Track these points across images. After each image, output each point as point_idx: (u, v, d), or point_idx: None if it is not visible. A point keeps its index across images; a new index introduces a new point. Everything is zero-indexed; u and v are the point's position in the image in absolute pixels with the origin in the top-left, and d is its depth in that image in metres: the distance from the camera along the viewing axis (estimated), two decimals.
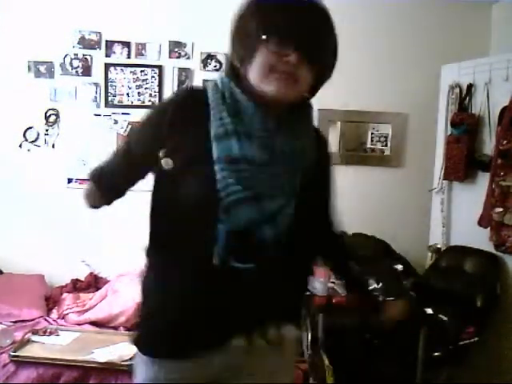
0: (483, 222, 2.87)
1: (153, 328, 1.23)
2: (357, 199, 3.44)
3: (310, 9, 1.13)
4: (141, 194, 1.42)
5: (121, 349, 2.45)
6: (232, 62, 1.18)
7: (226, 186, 1.09)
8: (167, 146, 1.13)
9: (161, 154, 1.14)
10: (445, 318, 2.53)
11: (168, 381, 1.20)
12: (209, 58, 3.35)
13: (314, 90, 1.26)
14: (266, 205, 1.12)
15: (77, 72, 3.35)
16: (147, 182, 1.29)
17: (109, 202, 1.32)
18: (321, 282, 2.38)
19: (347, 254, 1.55)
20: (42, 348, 2.49)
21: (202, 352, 1.18)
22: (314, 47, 1.11)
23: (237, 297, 1.14)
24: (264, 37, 1.08)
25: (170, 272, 1.20)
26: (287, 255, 1.16)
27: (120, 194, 1.31)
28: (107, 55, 3.36)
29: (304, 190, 1.18)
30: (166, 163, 1.13)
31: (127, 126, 3.37)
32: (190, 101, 1.18)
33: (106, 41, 3.35)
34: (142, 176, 1.26)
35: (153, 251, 1.26)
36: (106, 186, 1.31)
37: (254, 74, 1.12)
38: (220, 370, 1.21)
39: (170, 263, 1.20)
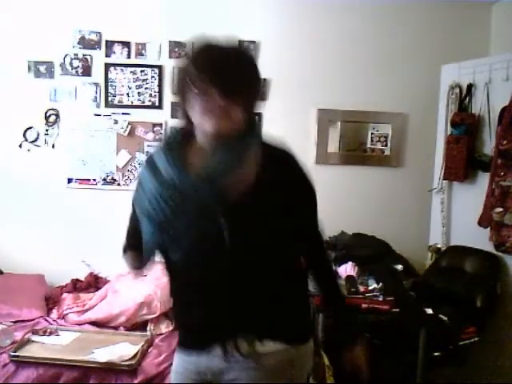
0: (483, 222, 2.87)
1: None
2: (357, 199, 3.44)
3: (228, 54, 1.32)
4: None
5: (121, 349, 2.45)
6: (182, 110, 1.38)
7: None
8: None
9: None
10: (445, 318, 2.53)
11: (178, 368, 1.52)
12: None
13: (249, 117, 1.37)
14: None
15: (77, 72, 3.35)
16: None
17: (144, 262, 1.49)
18: None
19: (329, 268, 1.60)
20: (42, 348, 2.48)
21: (195, 350, 1.44)
22: (233, 85, 1.28)
23: (211, 307, 1.37)
24: (192, 86, 1.28)
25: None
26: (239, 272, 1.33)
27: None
28: (107, 55, 3.36)
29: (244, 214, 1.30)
30: None
31: (127, 126, 3.37)
32: (149, 163, 1.39)
33: (106, 41, 3.35)
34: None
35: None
36: (133, 251, 1.51)
37: (194, 118, 1.32)
38: (206, 371, 1.43)
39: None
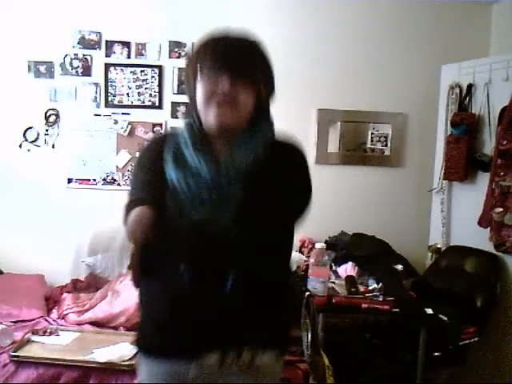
0: (483, 222, 2.87)
1: (143, 328, 1.35)
2: (357, 199, 3.44)
3: (239, 42, 1.27)
4: None
5: (121, 349, 2.45)
6: (188, 102, 1.31)
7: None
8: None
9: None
10: (445, 318, 2.53)
11: (148, 379, 1.33)
12: None
13: (260, 109, 1.30)
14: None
15: (77, 72, 3.35)
16: None
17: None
18: (321, 281, 2.38)
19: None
20: (42, 348, 2.48)
21: (177, 357, 1.24)
22: (245, 71, 1.23)
23: (210, 310, 1.20)
24: (199, 74, 1.22)
25: (153, 284, 1.29)
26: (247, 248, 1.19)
27: None
28: (107, 55, 3.36)
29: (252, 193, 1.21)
30: None
31: (127, 126, 3.37)
32: (154, 146, 1.35)
33: (106, 41, 3.35)
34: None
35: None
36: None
37: (199, 106, 1.24)
38: (187, 380, 1.25)
39: (154, 276, 1.27)
